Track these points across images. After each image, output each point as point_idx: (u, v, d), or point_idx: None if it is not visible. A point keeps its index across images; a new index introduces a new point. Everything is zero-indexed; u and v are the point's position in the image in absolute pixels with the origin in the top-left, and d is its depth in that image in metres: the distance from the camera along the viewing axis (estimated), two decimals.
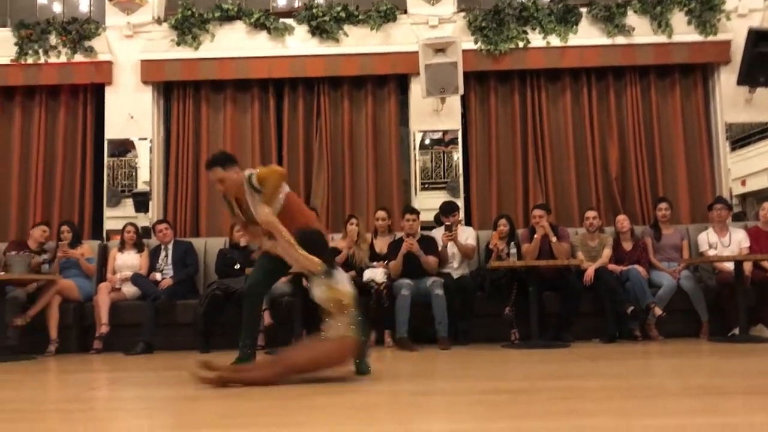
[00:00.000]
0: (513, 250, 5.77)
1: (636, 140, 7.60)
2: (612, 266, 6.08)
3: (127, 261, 6.53)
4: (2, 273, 5.66)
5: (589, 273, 5.89)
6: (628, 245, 6.32)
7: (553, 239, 5.97)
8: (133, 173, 7.52)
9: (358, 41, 7.55)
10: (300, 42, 7.59)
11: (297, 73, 7.58)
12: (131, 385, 4.18)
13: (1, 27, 7.80)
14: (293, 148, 7.67)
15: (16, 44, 7.59)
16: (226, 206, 4.27)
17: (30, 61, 7.58)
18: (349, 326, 3.61)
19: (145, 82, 7.59)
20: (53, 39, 7.60)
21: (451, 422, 2.69)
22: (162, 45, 7.56)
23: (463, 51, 7.10)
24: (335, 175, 7.61)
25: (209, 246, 6.88)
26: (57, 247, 6.42)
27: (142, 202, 7.29)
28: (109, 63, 7.58)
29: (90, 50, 7.57)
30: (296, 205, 4.17)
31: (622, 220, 6.39)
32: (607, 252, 6.18)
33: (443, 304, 5.65)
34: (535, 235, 6.01)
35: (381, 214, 6.37)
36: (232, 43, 7.57)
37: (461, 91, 7.15)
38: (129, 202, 7.37)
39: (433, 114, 7.49)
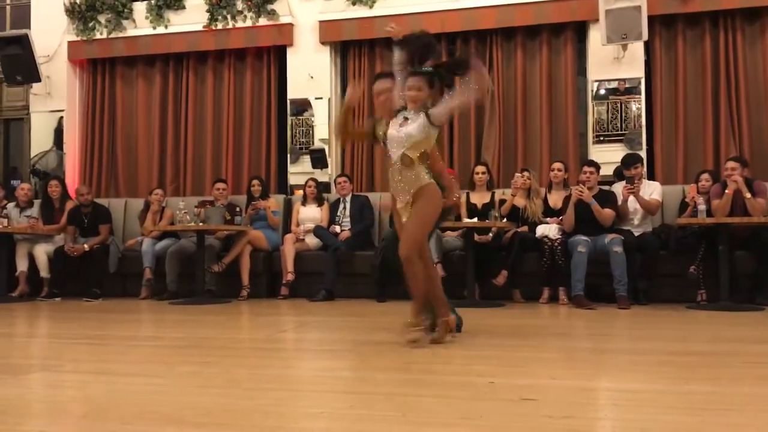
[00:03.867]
0: (702, 207, 5.40)
1: None
2: None
3: (309, 214, 6.92)
4: (202, 224, 6.22)
5: None
6: None
7: (747, 195, 5.49)
8: (310, 131, 7.87)
9: None
10: None
11: (469, 26, 7.47)
12: (317, 329, 4.46)
13: None
14: None
15: (207, 11, 8.13)
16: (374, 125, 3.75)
17: (219, 26, 8.12)
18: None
19: (323, 43, 7.86)
20: (239, 4, 8.05)
21: (636, 381, 2.61)
22: (339, 5, 7.75)
23: None
24: (507, 128, 7.48)
25: (384, 200, 7.10)
26: (247, 202, 6.96)
27: (318, 159, 7.61)
28: (290, 25, 7.91)
29: (272, 13, 7.94)
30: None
31: None
32: None
33: (622, 261, 5.43)
34: (727, 190, 5.54)
35: (557, 165, 6.22)
36: None
37: (645, 36, 6.69)
38: (307, 159, 7.74)
39: (613, 62, 7.09)
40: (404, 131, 3.40)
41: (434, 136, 3.45)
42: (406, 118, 3.44)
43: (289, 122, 7.94)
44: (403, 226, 3.47)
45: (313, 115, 7.86)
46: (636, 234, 5.78)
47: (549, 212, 6.11)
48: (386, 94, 3.79)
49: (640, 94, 7.07)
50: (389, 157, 3.49)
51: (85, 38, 8.38)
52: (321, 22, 7.80)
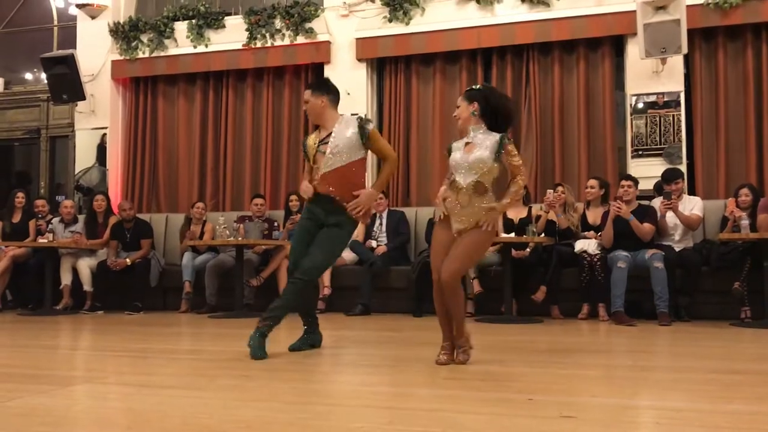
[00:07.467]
0: (745, 222, 5.29)
1: None
2: None
3: None
4: (241, 238, 6.30)
5: None
6: None
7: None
8: None
9: (570, 4, 7.23)
10: (509, 9, 7.44)
11: (506, 41, 7.47)
12: (354, 344, 4.48)
13: (234, 15, 8.54)
14: None
15: (246, 30, 8.28)
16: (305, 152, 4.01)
17: (258, 45, 8.26)
18: None
19: (359, 60, 7.93)
20: (278, 23, 8.19)
21: (678, 400, 2.56)
22: (375, 22, 7.82)
23: (687, 6, 6.55)
24: (544, 143, 7.44)
25: (420, 215, 7.13)
26: (285, 217, 7.03)
27: None
28: (328, 43, 8.01)
29: (310, 32, 8.05)
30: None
31: None
32: None
33: (663, 278, 5.34)
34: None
35: (592, 182, 6.17)
36: (442, 15, 7.62)
37: (685, 50, 6.61)
38: None
39: (651, 76, 7.01)
40: (473, 157, 3.25)
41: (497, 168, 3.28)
42: (468, 143, 3.30)
43: None
44: (451, 248, 3.26)
45: None
46: (677, 250, 5.69)
47: (587, 228, 6.05)
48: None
49: (679, 107, 6.98)
50: (453, 181, 3.32)
51: (128, 57, 8.59)
52: (358, 39, 7.88)
